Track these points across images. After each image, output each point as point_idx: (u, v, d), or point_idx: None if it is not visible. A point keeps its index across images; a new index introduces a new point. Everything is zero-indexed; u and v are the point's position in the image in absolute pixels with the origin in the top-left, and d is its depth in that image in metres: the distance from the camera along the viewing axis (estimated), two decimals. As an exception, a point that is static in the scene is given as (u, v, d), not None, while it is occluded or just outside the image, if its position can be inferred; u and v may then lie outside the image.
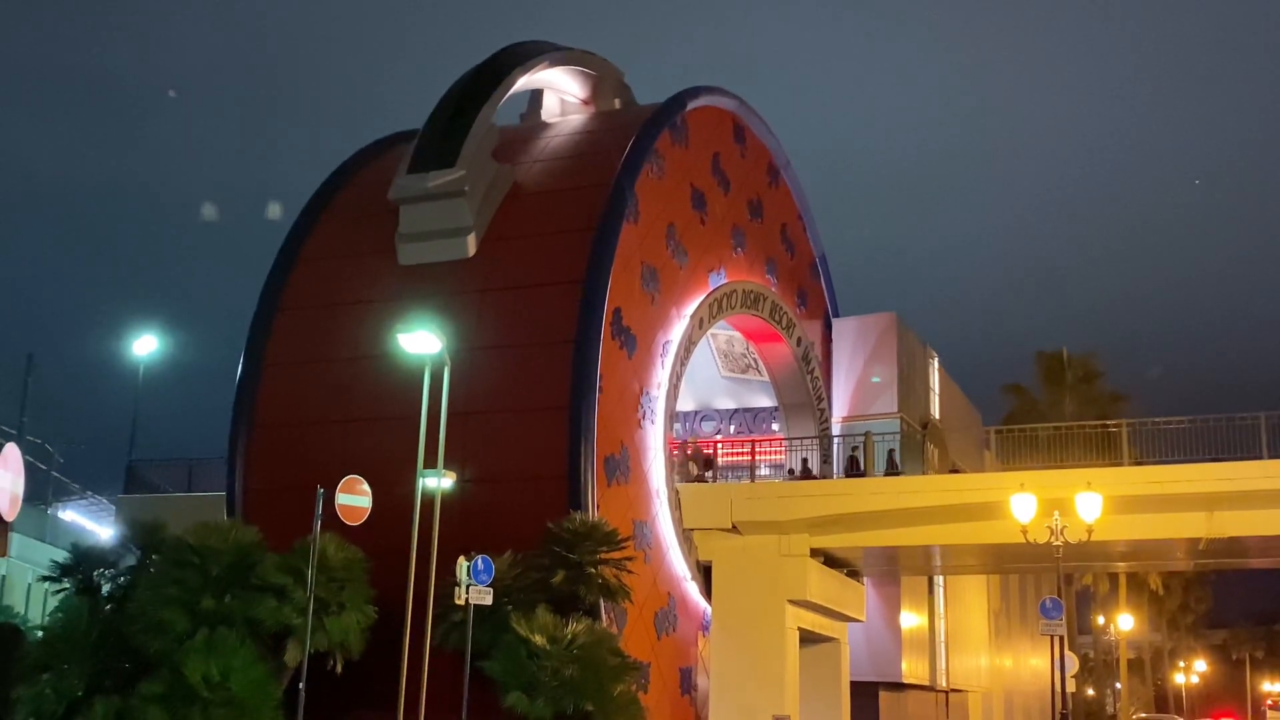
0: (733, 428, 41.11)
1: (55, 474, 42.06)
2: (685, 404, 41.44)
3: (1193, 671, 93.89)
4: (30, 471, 40.74)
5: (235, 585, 21.25)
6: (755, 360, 39.66)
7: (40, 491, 42.02)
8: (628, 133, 31.37)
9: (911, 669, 37.73)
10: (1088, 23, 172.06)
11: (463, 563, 21.13)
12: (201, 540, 21.47)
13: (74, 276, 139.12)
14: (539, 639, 22.32)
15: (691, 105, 33.60)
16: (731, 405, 41.94)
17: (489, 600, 21.53)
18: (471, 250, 29.80)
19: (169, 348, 47.46)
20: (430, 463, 20.99)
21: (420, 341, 20.71)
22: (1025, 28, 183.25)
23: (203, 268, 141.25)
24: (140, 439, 41.61)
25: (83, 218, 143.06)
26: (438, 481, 20.84)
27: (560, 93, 36.11)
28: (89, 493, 44.37)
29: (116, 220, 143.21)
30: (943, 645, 41.19)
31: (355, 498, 20.31)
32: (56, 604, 23.64)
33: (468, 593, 20.99)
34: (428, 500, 21.52)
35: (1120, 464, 29.49)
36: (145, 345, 41.54)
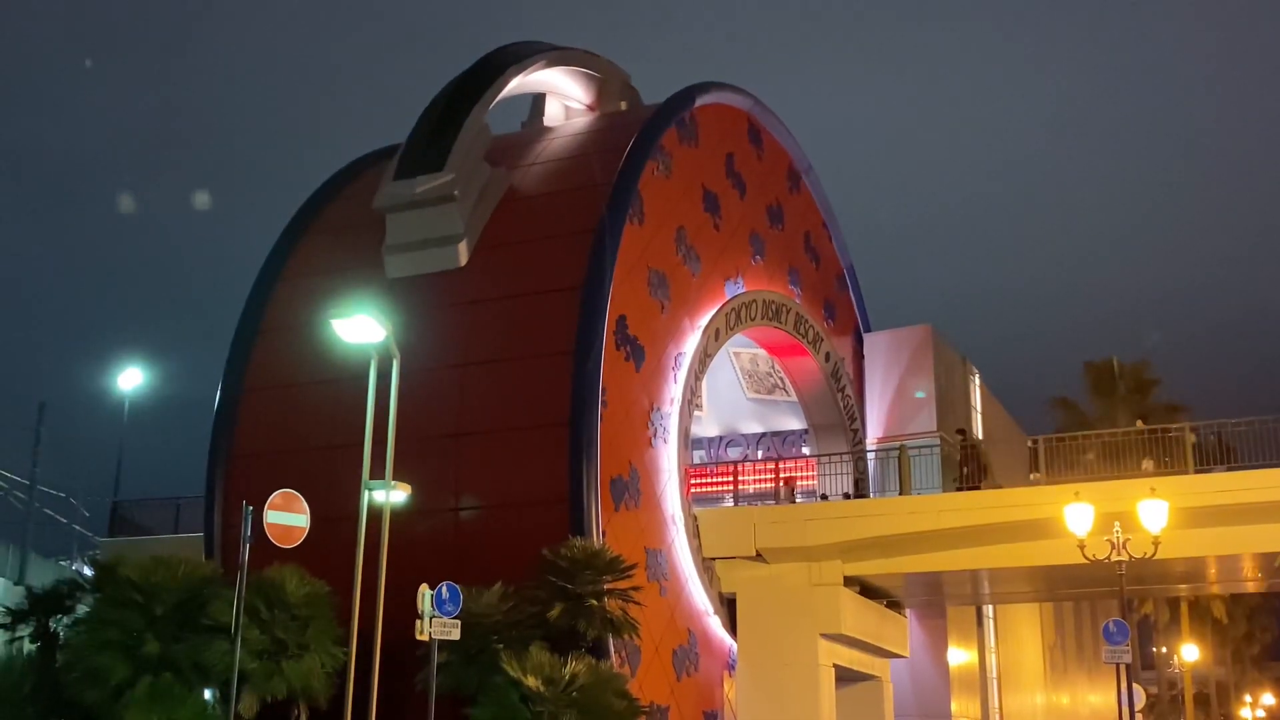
0: (760, 452, 38.57)
1: (77, 527, 40.18)
2: (710, 429, 39.21)
3: (1259, 705, 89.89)
4: (51, 526, 39.21)
5: (185, 627, 18.85)
6: (782, 380, 37.19)
7: (65, 546, 40.18)
8: (630, 130, 29.14)
9: (962, 709, 35.04)
10: (1151, 13, 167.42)
11: (424, 592, 18.55)
12: (145, 577, 19.07)
13: (72, 305, 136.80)
14: (532, 681, 19.80)
15: (701, 101, 31.31)
16: (759, 429, 39.46)
17: (456, 634, 18.97)
18: (463, 259, 27.57)
19: (160, 380, 45.58)
20: (380, 474, 18.40)
21: (358, 328, 18.14)
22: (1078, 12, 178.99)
23: (195, 292, 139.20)
24: (136, 477, 39.72)
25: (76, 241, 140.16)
26: (385, 495, 18.24)
27: (563, 97, 33.95)
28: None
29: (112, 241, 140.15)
30: (995, 682, 38.49)
31: (289, 516, 17.41)
32: (-3, 654, 21.40)
33: (431, 625, 18.41)
34: (406, 525, 19.20)
35: (1184, 472, 26.71)
36: (131, 379, 39.46)
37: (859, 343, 38.45)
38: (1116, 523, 23.67)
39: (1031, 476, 29.89)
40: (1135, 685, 28.31)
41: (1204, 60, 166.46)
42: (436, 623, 18.46)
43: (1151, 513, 23.22)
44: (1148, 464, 28.81)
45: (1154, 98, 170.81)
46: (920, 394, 36.60)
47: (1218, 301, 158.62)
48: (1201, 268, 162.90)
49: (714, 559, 28.32)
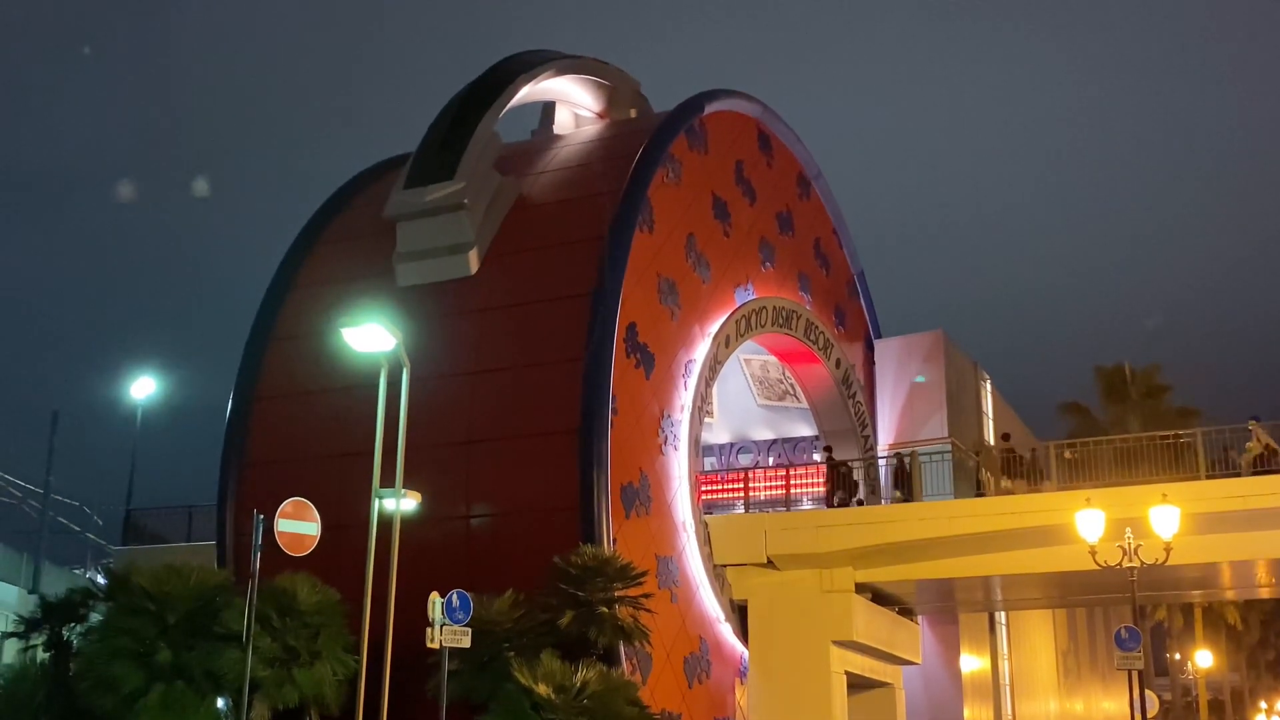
0: (771, 459, 38.47)
1: (91, 535, 40.23)
2: (721, 436, 39.13)
3: (1274, 712, 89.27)
4: (65, 534, 39.26)
5: (197, 634, 18.87)
6: (792, 386, 37.16)
7: (79, 554, 40.24)
8: (640, 138, 29.15)
9: (975, 716, 34.85)
10: (1166, 20, 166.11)
11: (435, 599, 18.54)
12: (158, 585, 19.10)
13: (85, 314, 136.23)
14: (543, 688, 19.72)
15: (710, 109, 31.32)
16: (769, 436, 39.36)
17: (467, 642, 18.95)
18: (473, 267, 27.62)
19: (175, 387, 45.66)
20: (393, 482, 18.38)
21: (369, 336, 18.16)
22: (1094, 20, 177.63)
23: (207, 300, 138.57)
24: (149, 486, 39.75)
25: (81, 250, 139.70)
26: (396, 503, 18.24)
27: (572, 106, 34.02)
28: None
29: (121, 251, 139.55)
30: (1008, 689, 38.28)
31: (300, 524, 17.39)
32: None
33: (441, 633, 18.41)
34: (417, 533, 19.24)
35: (1196, 478, 26.55)
36: (143, 387, 39.47)
37: (870, 349, 38.36)
38: (1128, 529, 23.55)
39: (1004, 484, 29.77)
40: (1148, 691, 28.20)
41: (1219, 65, 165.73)
42: (447, 630, 18.46)
43: (1163, 519, 23.11)
44: (1006, 483, 28.99)
45: (1168, 103, 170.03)
46: (920, 379, 36.49)
47: (1230, 306, 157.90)
48: (1214, 272, 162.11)
49: (725, 566, 28.27)
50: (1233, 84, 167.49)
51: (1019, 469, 29.68)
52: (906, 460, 30.61)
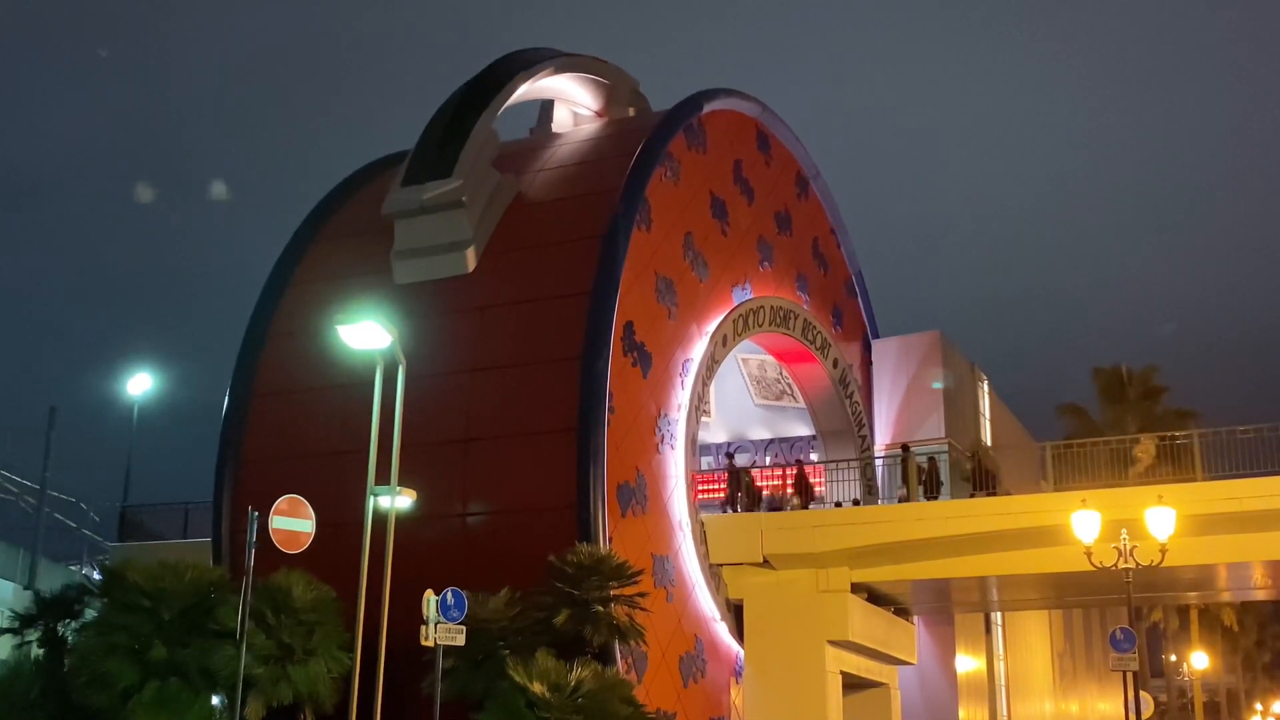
0: (768, 458, 38.49)
1: (87, 532, 40.16)
2: (718, 435, 39.13)
3: (1270, 714, 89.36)
4: (61, 531, 39.21)
5: (192, 631, 18.87)
6: (790, 386, 37.16)
7: (75, 551, 40.17)
8: (638, 136, 29.16)
9: (970, 716, 34.86)
10: (1167, 24, 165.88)
11: (429, 597, 18.54)
12: (153, 582, 19.09)
13: (81, 310, 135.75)
14: (538, 687, 19.71)
15: (708, 108, 31.30)
16: (767, 435, 39.37)
17: (461, 640, 18.95)
18: (471, 265, 27.63)
19: (172, 383, 45.61)
20: (389, 479, 18.35)
21: (364, 334, 18.15)
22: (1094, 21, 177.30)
23: (204, 297, 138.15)
24: (145, 483, 39.72)
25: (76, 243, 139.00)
26: (391, 501, 18.22)
27: (571, 104, 34.01)
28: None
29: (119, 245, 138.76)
30: (1003, 690, 38.28)
31: (294, 521, 17.31)
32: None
33: (436, 631, 18.40)
34: (413, 531, 19.21)
35: (1192, 479, 26.57)
36: (140, 384, 39.42)
37: (867, 349, 38.36)
38: (1123, 530, 23.53)
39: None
40: (1143, 693, 28.25)
41: (1221, 67, 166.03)
42: (442, 628, 18.45)
43: (1158, 520, 23.09)
44: (901, 490, 29.21)
45: (1168, 106, 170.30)
46: (937, 384, 36.44)
47: (1228, 308, 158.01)
48: (1213, 273, 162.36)
49: (721, 565, 28.27)
50: (1236, 88, 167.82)
51: (918, 478, 29.82)
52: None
